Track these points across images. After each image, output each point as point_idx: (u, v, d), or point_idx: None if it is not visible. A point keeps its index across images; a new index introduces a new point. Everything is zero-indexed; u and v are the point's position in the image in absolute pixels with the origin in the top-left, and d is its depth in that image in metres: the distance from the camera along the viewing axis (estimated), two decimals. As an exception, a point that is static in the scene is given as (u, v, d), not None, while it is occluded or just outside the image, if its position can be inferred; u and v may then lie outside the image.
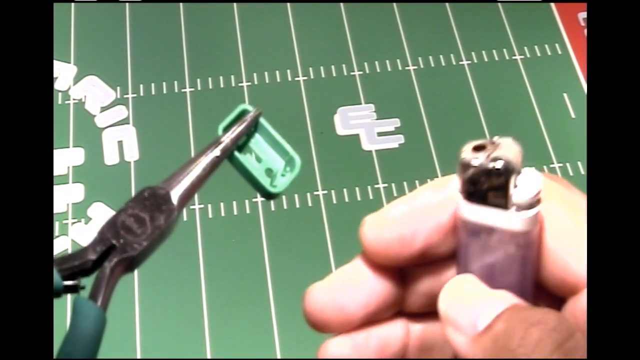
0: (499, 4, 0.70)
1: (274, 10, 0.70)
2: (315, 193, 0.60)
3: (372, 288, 0.28)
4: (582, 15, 0.70)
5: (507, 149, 0.24)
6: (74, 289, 0.33)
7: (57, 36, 0.67)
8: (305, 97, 0.65)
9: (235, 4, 0.70)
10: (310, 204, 0.60)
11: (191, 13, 0.69)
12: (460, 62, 0.67)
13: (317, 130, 0.63)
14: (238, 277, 0.57)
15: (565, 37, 0.69)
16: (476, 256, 0.26)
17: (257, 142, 0.38)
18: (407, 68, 0.67)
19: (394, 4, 0.70)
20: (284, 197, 0.60)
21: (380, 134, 0.63)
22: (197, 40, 0.68)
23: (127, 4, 0.70)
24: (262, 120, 0.37)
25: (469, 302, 0.25)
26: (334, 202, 0.60)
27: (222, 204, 0.59)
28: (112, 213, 0.57)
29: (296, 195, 0.60)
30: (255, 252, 0.57)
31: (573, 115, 0.65)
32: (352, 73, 0.66)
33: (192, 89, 0.65)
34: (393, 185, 0.60)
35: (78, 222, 0.58)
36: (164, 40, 0.68)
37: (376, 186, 0.60)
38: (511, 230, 0.25)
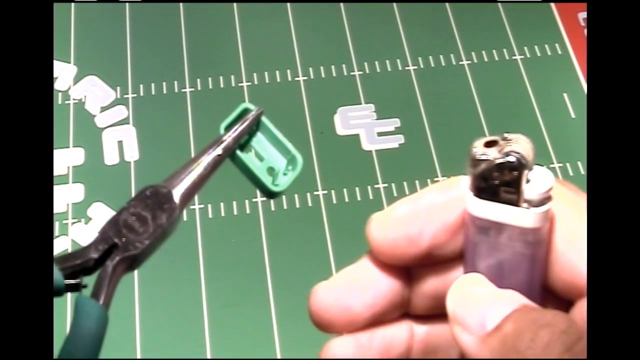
0: (499, 4, 0.71)
1: (274, 10, 0.70)
2: (315, 193, 0.60)
3: (378, 288, 0.27)
4: (582, 15, 0.70)
5: (520, 145, 0.24)
6: (75, 288, 0.33)
7: (57, 36, 0.67)
8: (305, 97, 0.65)
9: (235, 4, 0.70)
10: (310, 204, 0.60)
11: (191, 13, 0.69)
12: (460, 62, 0.67)
13: (317, 130, 0.63)
14: (238, 277, 0.57)
15: (565, 37, 0.69)
16: (484, 255, 0.26)
17: (259, 140, 0.37)
18: (407, 68, 0.67)
19: (394, 4, 0.70)
20: (284, 197, 0.60)
21: (380, 134, 0.63)
22: (197, 40, 0.68)
23: (127, 4, 0.70)
24: (264, 118, 0.37)
25: (477, 302, 0.24)
26: (334, 202, 0.60)
27: (222, 204, 0.59)
28: (112, 213, 0.58)
29: (296, 195, 0.60)
30: (255, 252, 0.57)
31: (573, 115, 0.65)
32: (352, 73, 0.66)
33: (192, 89, 0.65)
34: (393, 185, 0.60)
35: (78, 222, 0.58)
36: (164, 40, 0.68)
37: (376, 186, 0.60)
38: (522, 227, 0.24)
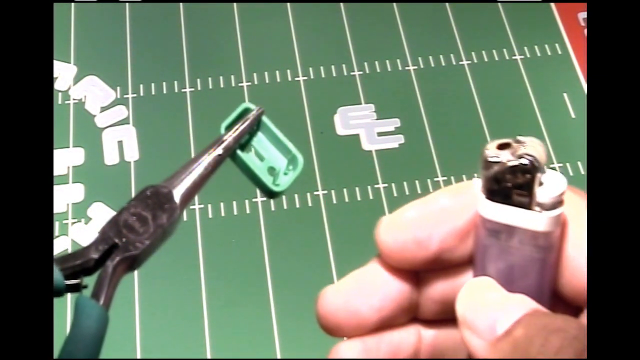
0: (499, 4, 0.71)
1: (274, 10, 0.70)
2: (315, 193, 0.60)
3: (386, 292, 0.27)
4: (582, 15, 0.70)
5: (533, 148, 0.24)
6: (76, 288, 0.32)
7: (57, 36, 0.67)
8: (305, 97, 0.65)
9: (235, 4, 0.70)
10: (310, 204, 0.60)
11: (191, 13, 0.69)
12: (460, 62, 0.67)
13: (317, 130, 0.63)
14: (238, 277, 0.57)
15: (565, 37, 0.69)
16: (495, 258, 0.26)
17: (260, 140, 0.37)
18: (407, 68, 0.67)
19: (394, 4, 0.70)
20: (284, 197, 0.60)
21: (380, 134, 0.63)
22: (197, 40, 0.68)
23: (127, 4, 0.70)
24: (264, 118, 0.37)
25: (488, 306, 0.24)
26: (334, 202, 0.60)
27: (222, 204, 0.59)
28: (112, 213, 0.58)
29: (296, 195, 0.60)
30: (255, 252, 0.57)
31: (573, 115, 0.65)
32: (352, 73, 0.66)
33: (192, 89, 0.65)
34: (393, 185, 0.60)
35: (78, 222, 0.58)
36: (164, 40, 0.68)
37: (376, 186, 0.60)
38: (533, 231, 0.24)
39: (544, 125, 0.64)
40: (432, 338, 0.28)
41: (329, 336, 0.28)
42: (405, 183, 0.61)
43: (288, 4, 0.70)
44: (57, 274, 0.32)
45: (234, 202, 0.59)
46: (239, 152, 0.36)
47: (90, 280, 0.33)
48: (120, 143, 0.62)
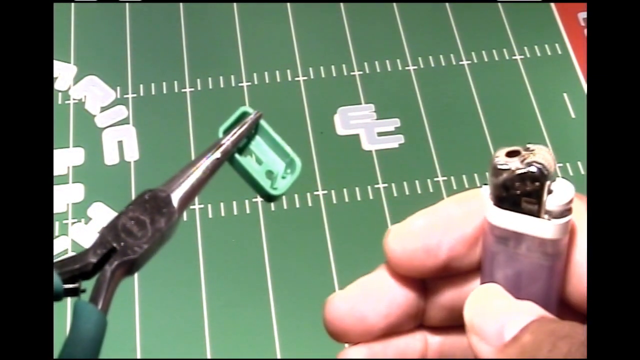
0: (499, 4, 0.71)
1: (274, 10, 0.70)
2: (315, 193, 0.60)
3: (394, 299, 0.27)
4: (582, 15, 0.70)
5: (542, 155, 0.24)
6: (74, 292, 0.32)
7: (57, 36, 0.67)
8: (305, 97, 0.65)
9: (235, 4, 0.70)
10: (310, 204, 0.60)
11: (191, 13, 0.69)
12: (460, 62, 0.67)
13: (317, 130, 0.63)
14: (238, 277, 0.57)
15: (565, 37, 0.69)
16: (502, 265, 0.26)
17: (258, 144, 0.37)
18: (407, 68, 0.67)
19: (394, 4, 0.70)
20: (284, 197, 0.59)
21: (380, 134, 0.63)
22: (197, 40, 0.68)
23: (127, 4, 0.70)
24: (262, 122, 0.37)
25: (495, 312, 0.24)
26: (334, 202, 0.60)
27: (222, 204, 0.59)
28: (112, 213, 0.58)
29: (296, 195, 0.60)
30: (255, 252, 0.57)
31: (573, 115, 0.65)
32: (352, 73, 0.66)
33: (192, 89, 0.65)
34: (393, 185, 0.60)
35: (78, 222, 0.58)
36: (164, 40, 0.68)
37: (376, 186, 0.60)
38: (542, 238, 0.25)
39: (544, 125, 0.64)
40: (438, 344, 0.29)
41: (334, 340, 0.28)
42: (405, 183, 0.61)
43: (288, 4, 0.70)
44: (56, 278, 0.32)
45: (234, 202, 0.59)
46: (237, 155, 0.36)
47: (88, 285, 0.33)
48: (120, 143, 0.62)
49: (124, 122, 0.63)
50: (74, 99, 0.64)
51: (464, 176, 0.61)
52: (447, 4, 0.70)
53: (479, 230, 0.26)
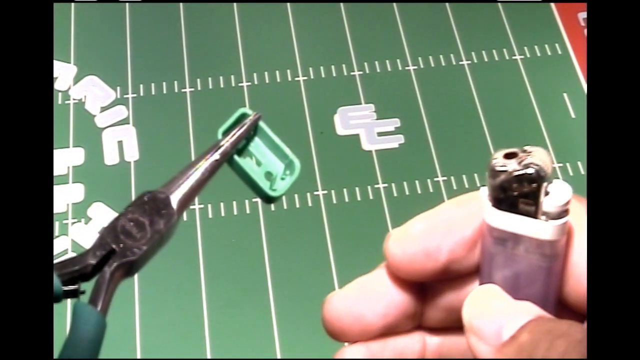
0: (499, 4, 0.71)
1: (274, 10, 0.70)
2: (315, 193, 0.60)
3: (391, 299, 0.28)
4: (582, 15, 0.70)
5: (539, 157, 0.25)
6: (73, 294, 0.32)
7: (57, 36, 0.67)
8: (305, 97, 0.65)
9: (235, 4, 0.70)
10: (310, 204, 0.60)
11: (191, 13, 0.69)
12: (460, 62, 0.67)
13: (317, 130, 0.63)
14: (238, 277, 0.57)
15: (565, 37, 0.69)
16: (501, 266, 0.26)
17: (257, 145, 0.38)
18: (407, 68, 0.67)
19: (394, 4, 0.70)
20: (284, 197, 0.59)
21: (380, 134, 0.63)
22: (197, 40, 0.68)
23: (127, 4, 0.70)
24: (261, 123, 0.37)
25: (494, 312, 0.25)
26: (334, 202, 0.60)
27: (222, 204, 0.59)
28: (112, 213, 0.58)
29: (296, 195, 0.60)
30: (255, 252, 0.58)
31: (573, 115, 0.65)
32: (352, 73, 0.66)
33: (192, 89, 0.65)
34: (393, 185, 0.60)
35: (78, 222, 0.58)
36: (164, 40, 0.68)
37: (376, 186, 0.60)
38: (539, 239, 0.25)
39: (544, 125, 0.64)
40: (437, 345, 0.29)
41: (332, 339, 0.28)
42: (405, 183, 0.61)
43: (288, 4, 0.70)
44: (55, 280, 0.32)
45: (234, 202, 0.59)
46: (236, 157, 0.36)
47: (87, 286, 0.33)
48: (120, 143, 0.62)
49: (124, 122, 0.63)
50: (74, 99, 0.64)
51: (464, 176, 0.61)
52: (447, 4, 0.70)
53: (478, 233, 0.27)
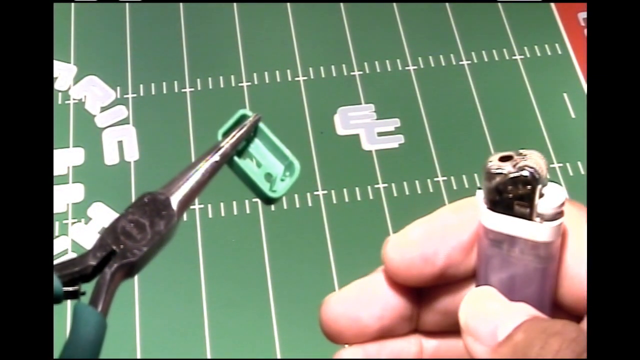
0: (499, 4, 0.71)
1: (274, 10, 0.70)
2: (315, 193, 0.60)
3: (388, 302, 0.28)
4: (582, 15, 0.70)
5: (534, 160, 0.25)
6: (74, 295, 0.33)
7: (57, 36, 0.67)
8: (305, 97, 0.65)
9: (235, 4, 0.70)
10: (310, 204, 0.60)
11: (191, 13, 0.69)
12: (460, 62, 0.67)
13: (317, 130, 0.63)
14: (238, 277, 0.57)
15: (565, 37, 0.69)
16: (497, 268, 0.26)
17: (257, 147, 0.38)
18: (407, 68, 0.67)
19: (394, 4, 0.70)
20: (283, 197, 0.59)
21: (380, 134, 0.63)
22: (197, 40, 0.68)
23: (127, 4, 0.70)
24: (261, 125, 0.37)
25: (489, 313, 0.25)
26: (334, 202, 0.60)
27: (222, 204, 0.59)
28: (112, 213, 0.58)
29: (296, 195, 0.60)
30: (255, 252, 0.58)
31: (573, 115, 0.65)
32: (352, 73, 0.66)
33: (192, 89, 0.65)
34: (393, 185, 0.60)
35: (78, 222, 0.58)
36: (164, 40, 0.68)
37: (376, 186, 0.60)
38: (534, 241, 0.25)
39: (544, 125, 0.64)
40: (433, 349, 0.29)
41: (329, 341, 0.28)
42: (405, 183, 0.61)
43: (288, 4, 0.70)
44: (56, 281, 0.32)
45: (234, 202, 0.59)
46: (236, 158, 0.36)
47: (88, 287, 0.33)
48: (120, 143, 0.62)
49: (124, 122, 0.63)
50: (74, 99, 0.64)
51: (464, 176, 0.61)
52: (447, 4, 0.70)
53: (475, 238, 0.27)
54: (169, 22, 0.69)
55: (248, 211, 0.59)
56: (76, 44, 0.67)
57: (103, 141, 0.62)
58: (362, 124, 0.64)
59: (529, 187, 0.25)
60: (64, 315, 0.51)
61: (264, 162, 0.38)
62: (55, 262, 0.32)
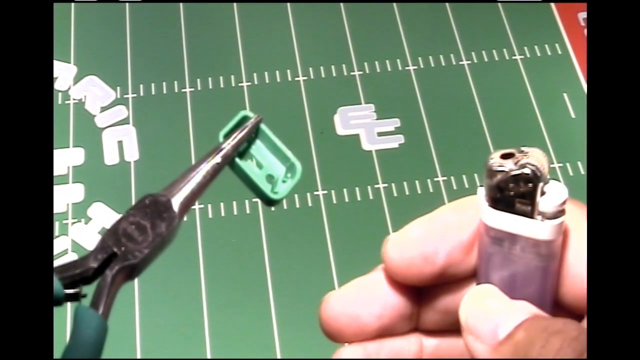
0: (499, 4, 0.71)
1: (274, 10, 0.70)
2: (315, 193, 0.60)
3: (388, 300, 0.28)
4: (582, 15, 0.70)
5: (535, 157, 0.25)
6: (75, 297, 0.33)
7: (57, 36, 0.67)
8: (305, 97, 0.65)
9: (235, 4, 0.70)
10: (310, 204, 0.60)
11: (191, 13, 0.69)
12: (460, 62, 0.67)
13: (317, 130, 0.63)
14: (238, 277, 0.57)
15: (565, 37, 0.69)
16: (498, 266, 0.26)
17: (258, 148, 0.38)
18: (407, 68, 0.67)
19: (394, 4, 0.70)
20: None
21: (380, 134, 0.63)
22: (197, 40, 0.68)
23: (127, 4, 0.70)
24: (262, 126, 0.37)
25: (490, 312, 0.25)
26: (334, 202, 0.60)
27: (222, 204, 0.59)
28: (112, 213, 0.58)
29: (296, 195, 0.60)
30: (255, 252, 0.57)
31: (573, 115, 0.65)
32: (352, 73, 0.66)
33: (192, 89, 0.65)
34: (393, 185, 0.60)
35: (78, 222, 0.58)
36: (164, 40, 0.68)
37: (376, 186, 0.60)
38: (535, 239, 0.25)
39: (544, 125, 0.64)
40: (433, 347, 0.29)
41: (329, 339, 0.28)
42: (405, 183, 0.61)
43: (288, 4, 0.70)
44: (56, 283, 0.32)
45: (234, 202, 0.59)
46: (237, 160, 0.36)
47: (89, 290, 0.33)
48: (120, 143, 0.62)
49: (124, 122, 0.63)
50: (74, 99, 0.64)
51: (464, 176, 0.61)
52: (447, 4, 0.70)
53: (475, 237, 0.27)
54: (169, 22, 0.69)
55: (248, 211, 0.59)
56: (76, 44, 0.67)
57: (103, 141, 0.62)
58: (362, 124, 0.64)
59: (530, 184, 0.24)
60: (65, 318, 0.51)
61: (266, 164, 0.37)
62: (56, 264, 0.32)
